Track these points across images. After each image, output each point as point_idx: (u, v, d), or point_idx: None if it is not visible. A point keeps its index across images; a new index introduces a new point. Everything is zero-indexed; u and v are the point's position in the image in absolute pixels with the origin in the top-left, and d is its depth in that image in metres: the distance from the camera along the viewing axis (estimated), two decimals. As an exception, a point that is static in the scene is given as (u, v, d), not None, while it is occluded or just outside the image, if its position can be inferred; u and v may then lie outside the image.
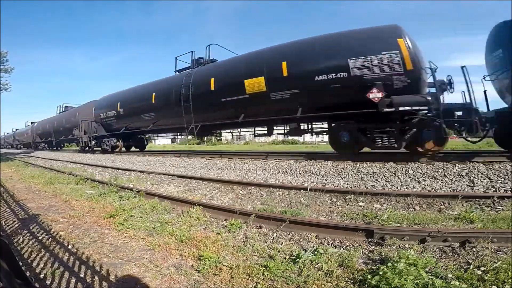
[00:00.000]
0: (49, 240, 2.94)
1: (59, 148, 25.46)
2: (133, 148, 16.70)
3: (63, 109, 22.45)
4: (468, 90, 5.80)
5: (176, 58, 11.28)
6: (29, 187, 6.34)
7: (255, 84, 7.55)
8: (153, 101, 11.00)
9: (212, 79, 8.70)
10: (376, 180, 5.07)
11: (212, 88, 8.65)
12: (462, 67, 5.84)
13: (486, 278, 1.82)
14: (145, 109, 11.50)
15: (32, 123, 30.20)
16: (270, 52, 7.83)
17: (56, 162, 12.75)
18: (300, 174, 5.98)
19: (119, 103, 13.20)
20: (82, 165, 10.77)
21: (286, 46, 7.63)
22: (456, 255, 2.24)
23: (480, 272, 1.92)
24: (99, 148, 15.61)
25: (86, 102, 18.16)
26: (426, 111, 5.99)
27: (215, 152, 12.14)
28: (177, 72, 11.20)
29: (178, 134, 13.31)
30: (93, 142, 15.79)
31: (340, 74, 6.35)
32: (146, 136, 16.54)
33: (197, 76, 9.43)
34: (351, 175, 5.45)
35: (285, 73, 7.05)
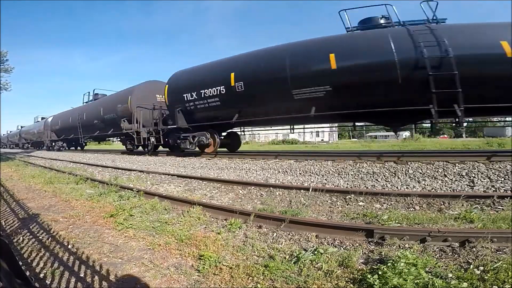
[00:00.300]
0: (49, 239, 2.94)
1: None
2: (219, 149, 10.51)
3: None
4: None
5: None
6: (29, 187, 6.34)
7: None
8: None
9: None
10: (376, 180, 5.06)
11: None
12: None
13: (486, 278, 1.82)
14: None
15: (42, 118, 25.55)
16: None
17: (56, 161, 12.75)
18: (300, 174, 5.97)
19: (233, 73, 8.16)
20: (82, 164, 10.77)
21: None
22: (456, 255, 2.24)
23: (480, 272, 1.91)
24: (161, 149, 12.12)
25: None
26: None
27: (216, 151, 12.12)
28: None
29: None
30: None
31: None
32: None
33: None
34: (351, 174, 5.45)
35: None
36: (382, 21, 7.19)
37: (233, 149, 10.95)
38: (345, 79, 6.52)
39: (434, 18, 6.69)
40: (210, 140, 9.35)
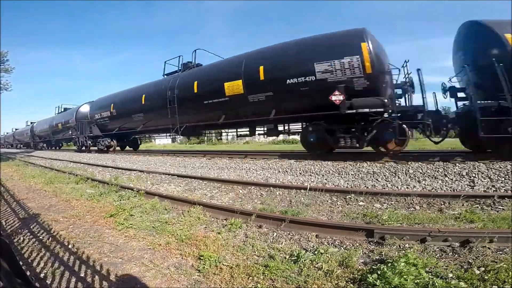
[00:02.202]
0: (50, 239, 2.95)
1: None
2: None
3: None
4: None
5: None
6: (29, 187, 6.34)
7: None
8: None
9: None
10: (377, 179, 5.06)
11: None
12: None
13: (486, 278, 1.82)
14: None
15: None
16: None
17: (56, 161, 12.76)
18: (300, 173, 5.97)
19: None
20: (82, 164, 10.77)
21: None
22: (456, 255, 2.24)
23: (480, 272, 1.91)
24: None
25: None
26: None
27: (215, 151, 12.17)
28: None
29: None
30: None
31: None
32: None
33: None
34: (351, 174, 5.45)
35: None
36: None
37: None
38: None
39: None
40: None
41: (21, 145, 34.46)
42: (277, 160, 7.35)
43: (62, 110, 22.91)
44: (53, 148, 25.40)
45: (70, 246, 2.74)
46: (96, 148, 16.08)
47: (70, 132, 18.68)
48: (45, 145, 26.34)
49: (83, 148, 16.85)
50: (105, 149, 15.25)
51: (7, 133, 43.44)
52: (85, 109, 17.42)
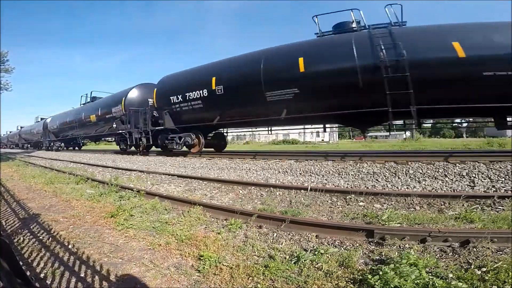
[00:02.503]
0: (50, 239, 2.95)
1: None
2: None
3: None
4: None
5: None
6: (29, 187, 6.34)
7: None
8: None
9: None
10: (377, 180, 5.06)
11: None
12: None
13: (486, 278, 1.82)
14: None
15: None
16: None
17: (56, 161, 12.76)
18: (300, 174, 5.97)
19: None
20: (82, 165, 10.78)
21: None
22: (456, 255, 2.24)
23: (480, 272, 1.91)
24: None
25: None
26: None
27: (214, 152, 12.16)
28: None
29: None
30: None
31: None
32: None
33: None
34: (352, 175, 5.45)
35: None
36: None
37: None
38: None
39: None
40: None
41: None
42: (277, 160, 7.35)
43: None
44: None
45: (70, 246, 2.74)
46: (164, 148, 11.70)
47: (115, 126, 13.42)
48: (62, 144, 21.84)
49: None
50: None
51: (10, 131, 41.55)
52: (138, 93, 13.25)
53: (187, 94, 9.46)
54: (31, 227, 3.37)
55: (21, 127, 34.25)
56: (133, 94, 13.30)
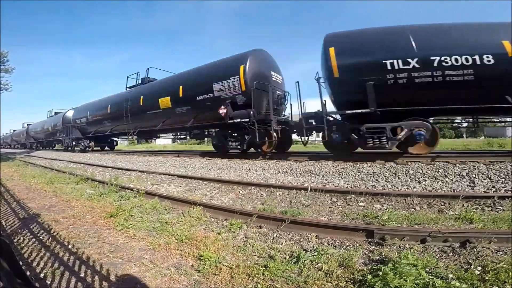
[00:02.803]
0: (50, 239, 2.95)
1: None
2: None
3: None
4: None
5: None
6: (29, 187, 6.34)
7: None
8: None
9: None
10: (377, 180, 5.06)
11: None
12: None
13: (486, 278, 1.82)
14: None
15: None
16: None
17: (56, 161, 12.76)
18: (300, 174, 5.97)
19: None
20: (82, 165, 10.78)
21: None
22: (456, 255, 2.24)
23: (480, 272, 1.91)
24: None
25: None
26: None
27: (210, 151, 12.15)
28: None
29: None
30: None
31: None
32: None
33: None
34: (352, 175, 5.45)
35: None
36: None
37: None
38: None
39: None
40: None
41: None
42: (277, 160, 7.35)
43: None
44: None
45: (70, 246, 2.74)
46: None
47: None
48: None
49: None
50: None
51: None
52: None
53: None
54: (31, 227, 3.37)
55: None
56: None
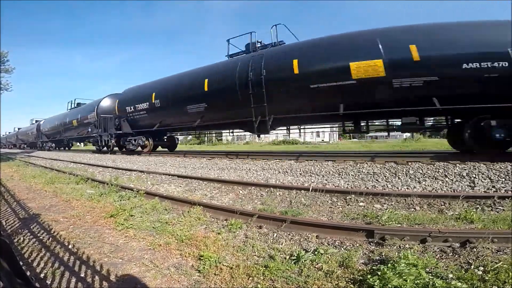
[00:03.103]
0: (50, 239, 2.95)
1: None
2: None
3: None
4: None
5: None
6: (29, 187, 6.35)
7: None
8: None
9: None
10: (377, 180, 5.06)
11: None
12: None
13: (486, 278, 1.82)
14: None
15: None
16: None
17: (57, 162, 12.76)
18: (300, 174, 5.97)
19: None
20: (82, 165, 10.78)
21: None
22: (456, 255, 2.24)
23: (480, 273, 1.91)
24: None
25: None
26: None
27: (215, 152, 12.18)
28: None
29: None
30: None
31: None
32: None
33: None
34: (352, 175, 5.45)
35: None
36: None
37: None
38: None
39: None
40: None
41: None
42: (278, 160, 7.36)
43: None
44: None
45: (70, 246, 2.74)
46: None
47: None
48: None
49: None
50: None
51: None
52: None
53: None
54: (31, 227, 3.38)
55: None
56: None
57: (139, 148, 12.95)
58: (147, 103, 11.38)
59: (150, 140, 12.69)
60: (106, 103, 15.97)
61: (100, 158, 12.64)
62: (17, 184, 6.91)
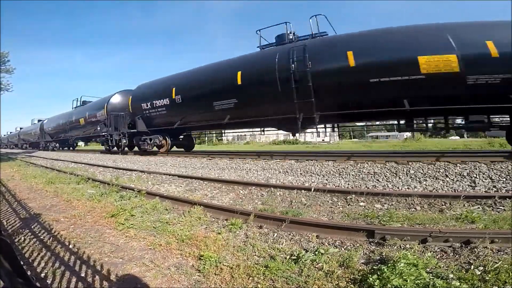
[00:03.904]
0: (50, 239, 2.95)
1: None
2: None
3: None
4: None
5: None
6: (30, 187, 6.36)
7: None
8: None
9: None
10: (377, 180, 5.05)
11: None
12: None
13: (487, 278, 1.82)
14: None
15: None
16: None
17: (57, 162, 12.78)
18: (301, 174, 5.97)
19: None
20: (83, 165, 10.79)
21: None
22: (457, 256, 2.23)
23: (481, 273, 1.91)
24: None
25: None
26: None
27: (215, 152, 12.18)
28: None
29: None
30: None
31: None
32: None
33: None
34: (352, 175, 5.45)
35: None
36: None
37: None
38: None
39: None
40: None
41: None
42: (278, 160, 7.36)
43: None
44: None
45: (71, 246, 2.75)
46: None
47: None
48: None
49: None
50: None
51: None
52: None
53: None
54: (32, 227, 3.38)
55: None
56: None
57: (155, 148, 11.87)
58: (167, 99, 10.45)
59: (167, 139, 11.58)
60: (116, 99, 14.81)
61: (100, 158, 12.66)
62: (18, 184, 6.92)
